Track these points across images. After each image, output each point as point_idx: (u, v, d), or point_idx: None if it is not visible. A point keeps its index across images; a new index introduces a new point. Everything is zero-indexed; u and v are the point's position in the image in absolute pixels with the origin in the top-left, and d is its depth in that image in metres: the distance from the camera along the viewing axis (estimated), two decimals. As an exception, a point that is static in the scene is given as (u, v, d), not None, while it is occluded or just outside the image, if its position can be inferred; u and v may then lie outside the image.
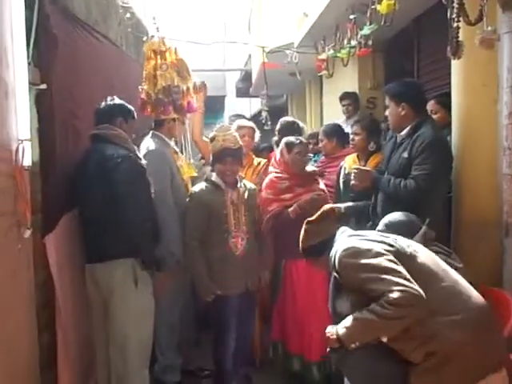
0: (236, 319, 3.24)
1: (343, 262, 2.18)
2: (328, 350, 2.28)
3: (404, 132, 3.15)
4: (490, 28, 2.32)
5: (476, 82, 3.11)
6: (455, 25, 2.32)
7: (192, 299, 3.54)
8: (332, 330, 2.23)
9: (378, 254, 2.12)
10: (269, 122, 7.71)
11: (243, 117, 6.11)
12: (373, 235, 2.29)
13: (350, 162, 3.75)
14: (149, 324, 2.91)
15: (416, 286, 2.03)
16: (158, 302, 3.04)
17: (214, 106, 13.55)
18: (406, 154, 3.06)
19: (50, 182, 2.57)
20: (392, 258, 2.12)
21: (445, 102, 3.52)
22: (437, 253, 2.46)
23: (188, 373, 3.62)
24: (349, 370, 2.31)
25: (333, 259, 2.26)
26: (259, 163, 4.15)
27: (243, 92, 12.79)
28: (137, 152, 2.93)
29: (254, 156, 4.21)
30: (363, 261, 2.12)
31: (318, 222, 2.49)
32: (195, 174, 3.69)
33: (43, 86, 2.45)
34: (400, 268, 2.08)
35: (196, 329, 4.07)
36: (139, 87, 3.51)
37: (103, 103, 2.92)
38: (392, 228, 2.61)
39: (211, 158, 3.36)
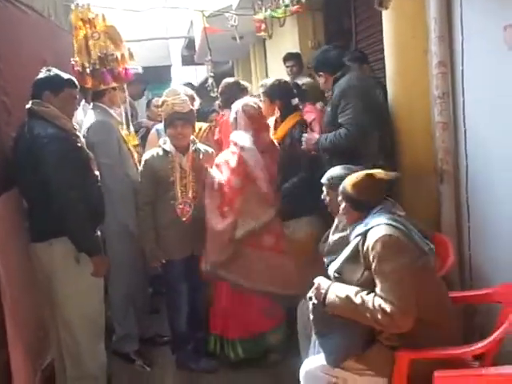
0: (186, 284, 3.29)
1: (381, 247, 2.06)
2: (307, 296, 2.32)
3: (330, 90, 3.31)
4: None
5: (406, 34, 3.18)
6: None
7: (145, 266, 3.54)
8: (324, 286, 2.24)
9: (411, 264, 2.06)
10: (215, 89, 7.63)
11: (192, 85, 6.03)
12: (415, 231, 2.18)
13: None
14: (96, 299, 2.89)
15: (412, 311, 2.01)
16: (110, 273, 3.04)
17: (160, 76, 13.28)
18: (329, 108, 3.22)
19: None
20: (418, 270, 2.09)
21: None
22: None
23: (146, 341, 3.66)
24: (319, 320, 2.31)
25: (368, 232, 2.15)
26: (200, 129, 4.12)
27: (189, 60, 12.55)
28: (72, 129, 2.82)
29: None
30: (396, 262, 2.03)
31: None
32: (137, 143, 3.65)
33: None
34: (412, 289, 2.04)
35: (153, 296, 4.10)
36: (72, 59, 3.40)
37: (38, 76, 2.80)
38: (334, 183, 2.63)
39: (162, 123, 3.36)
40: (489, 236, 2.84)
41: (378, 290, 2.06)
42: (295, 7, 3.95)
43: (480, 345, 2.05)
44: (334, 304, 2.17)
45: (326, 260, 2.63)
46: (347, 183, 2.31)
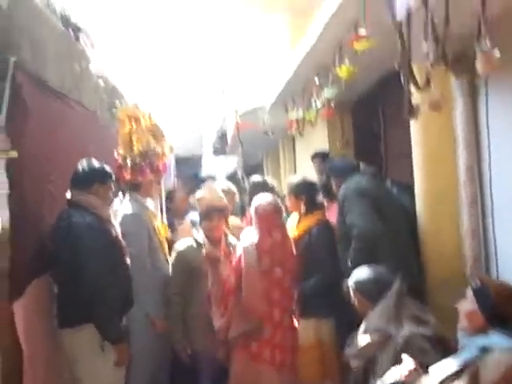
0: (209, 379, 3.23)
1: (503, 375, 1.86)
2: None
3: None
4: (435, 92, 2.47)
5: (434, 142, 3.28)
6: (407, 89, 2.47)
7: (167, 356, 3.49)
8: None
9: None
10: (245, 181, 7.86)
11: (214, 178, 6.21)
12: None
13: (290, 223, 3.75)
14: None
15: None
16: (131, 363, 3.01)
17: (191, 165, 13.72)
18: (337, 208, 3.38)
19: (19, 249, 2.58)
20: None
21: None
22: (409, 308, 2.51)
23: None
24: None
25: (493, 352, 1.96)
26: (232, 224, 4.20)
27: (220, 151, 13.02)
28: (109, 218, 2.94)
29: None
30: None
31: None
32: (169, 235, 3.75)
33: (13, 154, 2.51)
34: None
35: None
36: (115, 152, 3.60)
37: (79, 167, 2.95)
38: (363, 288, 2.66)
39: (198, 217, 3.47)
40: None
41: None
42: (326, 111, 4.12)
43: None
44: None
45: (354, 363, 2.56)
46: (492, 289, 2.11)
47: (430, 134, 3.30)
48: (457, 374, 2.00)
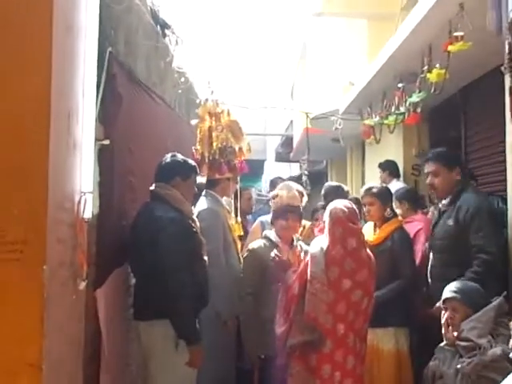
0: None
1: None
2: None
3: (446, 200, 3.18)
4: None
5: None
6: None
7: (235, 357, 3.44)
8: None
9: None
10: (308, 187, 7.78)
11: (282, 179, 6.15)
12: None
13: (367, 231, 3.58)
14: None
15: None
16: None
17: (253, 170, 13.78)
18: (451, 222, 3.06)
19: (105, 235, 2.61)
20: None
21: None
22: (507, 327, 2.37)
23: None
24: None
25: None
26: (304, 226, 4.13)
27: (282, 157, 13.00)
28: (191, 213, 2.93)
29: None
30: None
31: None
32: (241, 233, 3.71)
33: (106, 142, 2.54)
34: None
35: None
36: (193, 148, 3.60)
37: (164, 160, 2.96)
38: (466, 296, 2.58)
39: (272, 215, 3.41)
40: None
41: None
42: (411, 116, 3.99)
43: None
44: None
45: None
46: None
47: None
48: None
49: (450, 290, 2.63)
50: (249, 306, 3.22)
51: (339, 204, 3.27)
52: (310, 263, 3.05)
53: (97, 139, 2.50)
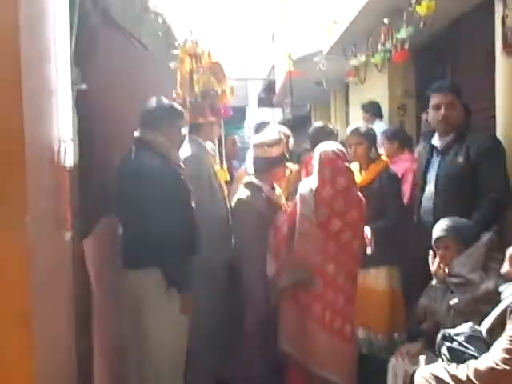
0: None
1: None
2: None
3: (451, 136, 3.04)
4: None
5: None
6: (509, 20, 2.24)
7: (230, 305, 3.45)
8: None
9: None
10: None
11: (268, 124, 6.06)
12: None
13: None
14: (181, 334, 2.82)
15: None
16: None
17: (235, 116, 13.58)
18: (460, 159, 2.95)
19: (88, 184, 2.52)
20: None
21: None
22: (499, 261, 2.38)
23: (223, 382, 3.52)
24: None
25: None
26: (291, 171, 4.07)
27: (265, 102, 12.80)
28: (178, 160, 2.84)
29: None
30: None
31: None
32: (228, 179, 3.64)
33: (84, 86, 2.41)
34: None
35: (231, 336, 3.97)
36: (173, 92, 3.47)
37: (149, 105, 2.83)
38: (457, 232, 2.57)
39: (268, 162, 3.29)
40: None
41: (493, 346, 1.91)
42: (399, 53, 3.88)
43: None
44: None
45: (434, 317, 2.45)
46: None
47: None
48: (498, 322, 2.01)
49: (441, 229, 2.61)
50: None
51: (327, 146, 3.23)
52: (299, 204, 3.03)
53: (73, 83, 2.37)
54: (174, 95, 3.47)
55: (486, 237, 2.52)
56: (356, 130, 3.61)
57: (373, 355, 3.37)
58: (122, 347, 2.89)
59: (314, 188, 3.02)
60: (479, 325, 2.16)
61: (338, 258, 3.02)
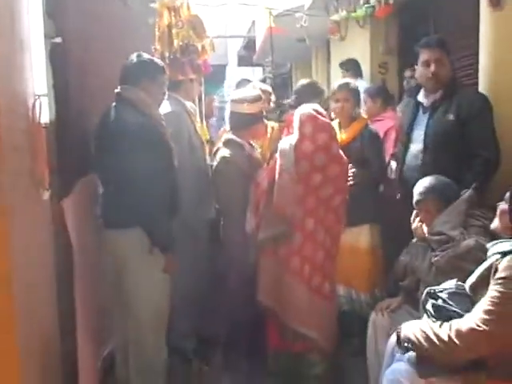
0: None
1: None
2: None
3: (439, 93, 2.98)
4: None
5: (507, 51, 2.96)
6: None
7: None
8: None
9: None
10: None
11: (249, 81, 5.95)
12: None
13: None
14: (164, 293, 2.81)
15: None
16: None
17: (214, 75, 13.33)
18: (451, 117, 2.90)
19: (66, 142, 2.45)
20: None
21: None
22: (478, 218, 2.40)
23: (205, 340, 3.56)
24: None
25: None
26: (272, 128, 4.02)
27: (245, 61, 12.55)
28: (160, 118, 2.76)
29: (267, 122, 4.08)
30: None
31: None
32: (208, 137, 3.59)
33: (58, 40, 2.31)
34: None
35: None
36: (152, 47, 3.36)
37: (130, 60, 2.72)
38: (436, 191, 2.56)
39: (246, 119, 3.20)
40: None
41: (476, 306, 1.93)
42: (382, 8, 3.80)
43: None
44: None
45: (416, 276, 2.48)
46: None
47: (503, 39, 2.97)
48: (482, 280, 2.01)
49: (421, 192, 2.59)
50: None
51: (307, 107, 3.17)
52: (279, 158, 3.00)
53: (47, 36, 2.27)
54: (153, 51, 3.37)
55: (465, 194, 2.53)
56: (346, 85, 3.51)
57: (354, 312, 3.41)
58: (104, 308, 2.89)
59: (293, 143, 3.00)
60: (462, 282, 2.18)
61: (318, 213, 3.00)
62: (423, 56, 3.00)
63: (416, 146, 3.07)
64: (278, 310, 2.99)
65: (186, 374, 3.27)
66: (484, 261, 2.12)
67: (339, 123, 3.54)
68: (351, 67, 5.41)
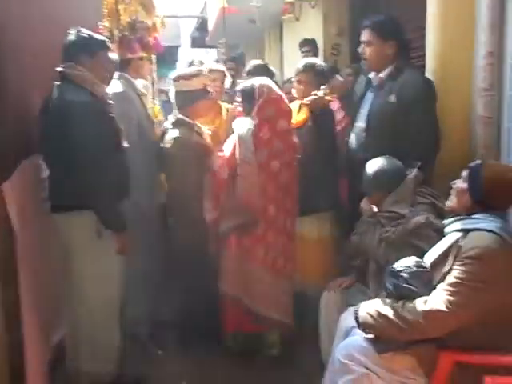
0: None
1: (476, 257, 1.90)
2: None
3: (384, 73, 2.97)
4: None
5: (451, 21, 3.00)
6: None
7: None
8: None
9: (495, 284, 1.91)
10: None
11: (202, 63, 5.84)
12: None
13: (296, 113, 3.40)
14: (116, 278, 2.75)
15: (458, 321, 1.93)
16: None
17: (167, 57, 13.06)
18: (393, 98, 2.88)
19: (3, 123, 2.32)
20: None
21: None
22: (425, 195, 2.43)
23: (159, 323, 3.51)
24: None
25: (472, 233, 1.98)
26: (227, 110, 3.95)
27: (199, 42, 12.36)
28: (106, 96, 2.66)
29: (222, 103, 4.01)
30: (479, 277, 1.89)
31: None
32: (162, 118, 3.50)
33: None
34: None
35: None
36: (99, 24, 3.23)
37: (69, 36, 2.60)
38: (384, 178, 2.56)
39: (187, 96, 3.15)
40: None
41: (439, 286, 1.95)
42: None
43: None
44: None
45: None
46: (486, 170, 2.06)
47: (448, 16, 3.01)
48: (443, 257, 2.03)
49: (368, 180, 2.61)
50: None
51: (268, 82, 3.12)
52: (238, 146, 2.95)
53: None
54: (101, 28, 3.24)
55: (412, 174, 2.56)
56: (312, 66, 3.38)
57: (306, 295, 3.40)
58: (53, 295, 2.79)
59: (251, 128, 2.96)
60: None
61: (278, 198, 3.03)
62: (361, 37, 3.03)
63: (361, 124, 3.05)
64: (244, 297, 3.01)
65: (140, 358, 3.21)
66: (439, 238, 2.16)
67: (300, 105, 3.41)
68: (312, 48, 5.36)
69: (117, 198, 2.64)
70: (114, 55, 2.73)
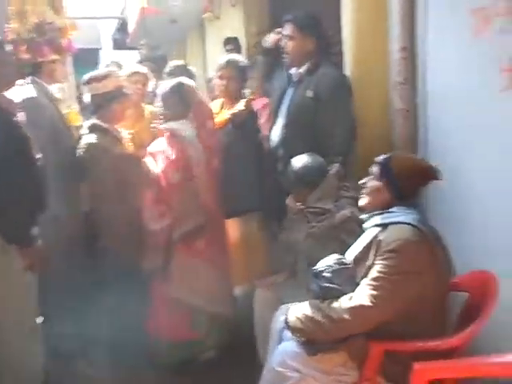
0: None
1: (397, 250, 1.91)
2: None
3: (303, 68, 3.00)
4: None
5: (366, 16, 3.06)
6: None
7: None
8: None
9: (416, 276, 1.93)
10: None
11: (119, 65, 5.67)
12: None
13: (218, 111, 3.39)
14: (26, 295, 2.57)
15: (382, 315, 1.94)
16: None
17: (88, 59, 12.62)
18: (310, 93, 2.90)
19: None
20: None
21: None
22: (348, 190, 2.46)
23: (88, 339, 3.34)
24: None
25: (391, 226, 1.99)
26: (151, 112, 3.84)
27: (121, 44, 12.01)
28: (7, 103, 2.47)
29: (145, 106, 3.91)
30: (399, 270, 1.91)
31: None
32: (80, 123, 3.35)
33: None
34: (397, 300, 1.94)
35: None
36: (6, 26, 3.05)
37: None
38: (307, 176, 2.58)
39: (100, 99, 3.04)
40: (453, 224, 2.78)
41: (363, 281, 1.96)
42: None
43: (456, 338, 1.98)
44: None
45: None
46: (394, 161, 2.08)
47: (362, 12, 3.07)
48: (365, 252, 2.05)
49: (292, 180, 2.63)
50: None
51: (191, 82, 3.13)
52: (186, 148, 2.92)
53: None
54: (8, 30, 3.06)
55: (334, 169, 2.61)
56: (233, 63, 3.36)
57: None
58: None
59: (192, 129, 2.99)
60: (339, 252, 2.20)
61: (218, 195, 3.10)
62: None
63: (281, 120, 3.06)
64: (192, 299, 2.99)
65: (68, 376, 3.06)
66: (361, 232, 2.18)
67: (222, 103, 3.41)
68: (235, 46, 5.36)
69: (28, 212, 2.47)
70: (9, 57, 2.53)
